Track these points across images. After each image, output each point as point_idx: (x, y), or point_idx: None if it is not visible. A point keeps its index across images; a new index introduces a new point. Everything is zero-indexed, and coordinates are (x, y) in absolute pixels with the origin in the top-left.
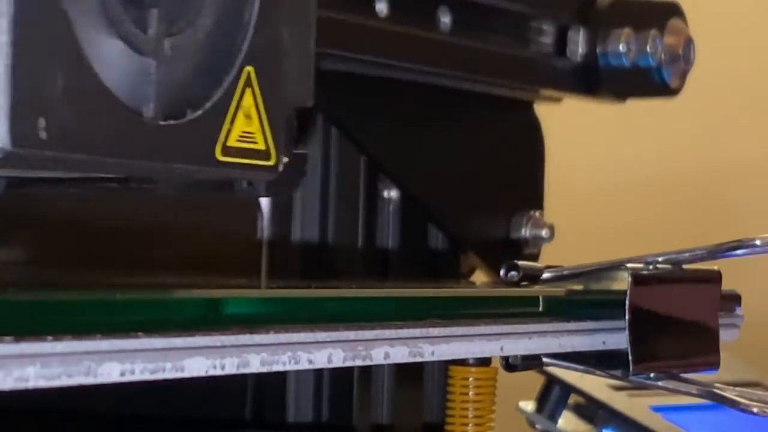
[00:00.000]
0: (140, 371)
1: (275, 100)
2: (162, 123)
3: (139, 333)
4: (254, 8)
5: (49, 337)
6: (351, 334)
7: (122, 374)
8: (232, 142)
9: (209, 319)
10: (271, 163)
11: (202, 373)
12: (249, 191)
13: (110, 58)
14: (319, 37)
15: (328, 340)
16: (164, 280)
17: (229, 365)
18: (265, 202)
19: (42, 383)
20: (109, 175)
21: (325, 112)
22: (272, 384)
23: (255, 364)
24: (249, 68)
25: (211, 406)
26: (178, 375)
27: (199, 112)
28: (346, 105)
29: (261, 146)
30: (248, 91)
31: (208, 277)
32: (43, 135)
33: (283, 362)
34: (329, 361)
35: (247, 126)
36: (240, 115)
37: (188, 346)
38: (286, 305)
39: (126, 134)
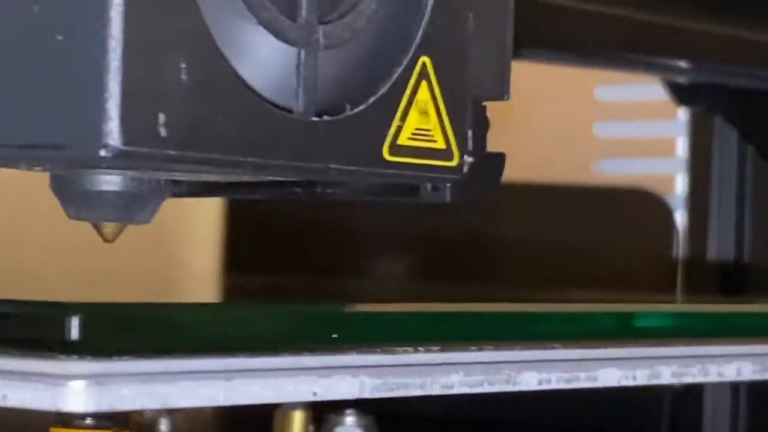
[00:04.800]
0: (556, 380)
1: (459, 94)
2: (314, 120)
3: (556, 344)
4: None
5: (473, 347)
6: (760, 349)
7: (539, 383)
8: (403, 141)
9: (621, 331)
10: (452, 163)
11: (614, 384)
12: (433, 196)
13: (251, 47)
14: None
15: (737, 353)
16: (579, 294)
17: (640, 376)
18: (680, 216)
19: (465, 390)
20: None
21: (740, 129)
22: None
23: (666, 375)
24: (425, 58)
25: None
26: (592, 385)
27: (362, 107)
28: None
29: (440, 145)
30: (424, 85)
31: (622, 293)
32: (162, 132)
33: (692, 374)
34: (738, 374)
35: (422, 122)
36: (413, 111)
37: (602, 357)
38: (695, 320)
39: (269, 132)
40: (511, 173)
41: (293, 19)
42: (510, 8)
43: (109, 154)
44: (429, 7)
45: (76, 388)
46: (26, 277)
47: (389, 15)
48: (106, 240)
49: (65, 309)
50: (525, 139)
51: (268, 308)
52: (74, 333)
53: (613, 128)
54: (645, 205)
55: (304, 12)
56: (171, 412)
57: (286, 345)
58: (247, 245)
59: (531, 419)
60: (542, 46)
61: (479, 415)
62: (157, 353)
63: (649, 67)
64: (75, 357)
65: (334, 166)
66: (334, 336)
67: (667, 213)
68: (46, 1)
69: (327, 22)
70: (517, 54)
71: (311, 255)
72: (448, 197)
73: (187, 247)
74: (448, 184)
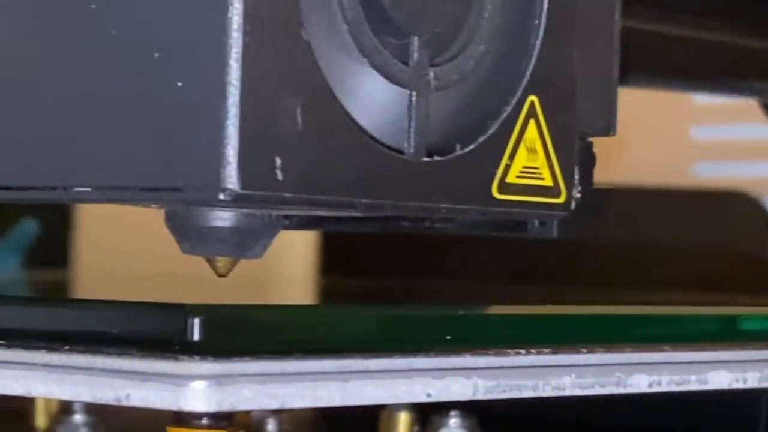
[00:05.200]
0: (666, 383)
1: (566, 132)
2: (425, 160)
3: (665, 347)
4: (539, 31)
5: (584, 349)
6: None
7: (650, 385)
8: (511, 179)
9: (730, 334)
10: (560, 200)
11: (725, 386)
12: (540, 231)
13: (364, 91)
14: None
15: None
16: (679, 297)
17: (751, 379)
18: None
19: (577, 392)
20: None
21: None
22: None
23: None
24: (533, 97)
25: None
26: (702, 387)
27: (471, 147)
28: None
29: (548, 182)
30: (532, 123)
31: (720, 295)
32: (279, 175)
33: None
34: None
35: (530, 160)
36: (522, 149)
37: (712, 360)
38: None
39: (381, 173)
40: (610, 176)
41: (405, 62)
42: (616, 45)
43: (227, 198)
44: (537, 48)
45: (198, 388)
46: (139, 281)
47: (498, 56)
48: (219, 275)
49: (187, 310)
50: (623, 142)
51: (381, 310)
52: (196, 334)
53: (711, 131)
54: (742, 207)
55: (415, 55)
56: (277, 413)
57: (400, 347)
58: (341, 248)
59: (624, 421)
60: (642, 72)
61: (574, 416)
62: (275, 354)
63: (746, 91)
64: (197, 358)
65: (444, 205)
66: (448, 338)
67: (764, 215)
68: (167, 48)
69: (437, 65)
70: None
71: (405, 257)
72: (555, 232)
73: (283, 250)
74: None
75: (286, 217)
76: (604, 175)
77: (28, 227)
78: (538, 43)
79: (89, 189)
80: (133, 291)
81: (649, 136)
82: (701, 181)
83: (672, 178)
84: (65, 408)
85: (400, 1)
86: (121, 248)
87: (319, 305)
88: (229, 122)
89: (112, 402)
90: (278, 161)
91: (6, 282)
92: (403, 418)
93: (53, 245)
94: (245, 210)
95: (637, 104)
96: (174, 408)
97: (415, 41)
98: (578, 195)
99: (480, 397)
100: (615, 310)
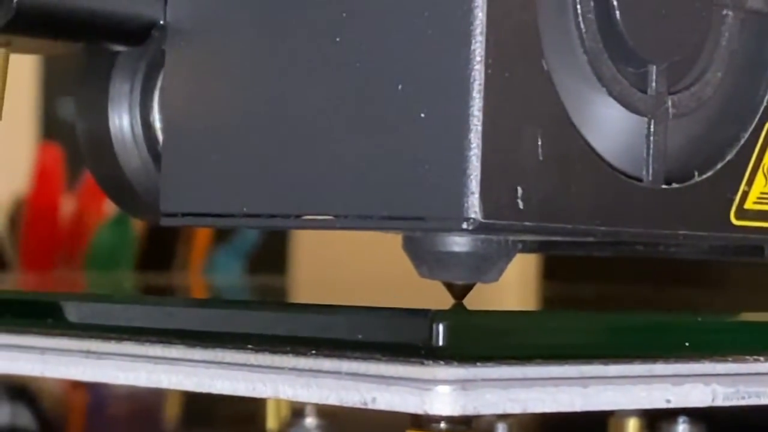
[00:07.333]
0: None
1: None
2: (663, 187)
3: None
4: None
5: None
6: None
7: None
8: (749, 205)
9: None
10: None
11: None
12: None
13: (601, 119)
14: None
15: None
16: None
17: None
18: None
19: None
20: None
21: None
22: None
23: None
24: None
25: None
26: None
27: (709, 173)
28: None
29: None
30: None
31: None
32: (520, 204)
33: None
34: None
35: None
36: (759, 175)
37: None
38: None
39: (619, 200)
40: None
41: (643, 90)
42: None
43: (470, 227)
44: None
45: (443, 392)
46: (360, 287)
47: (735, 82)
48: (455, 298)
49: (432, 316)
50: None
51: (621, 316)
52: (441, 339)
53: None
54: None
55: (653, 84)
56: (504, 417)
57: (638, 352)
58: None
59: None
60: None
61: None
62: (516, 360)
63: None
64: (442, 363)
65: (682, 232)
66: (687, 344)
67: None
68: (410, 80)
69: (675, 92)
70: None
71: (624, 262)
72: None
73: None
74: None
75: (519, 240)
76: None
77: (250, 234)
78: None
79: (332, 217)
80: (358, 297)
81: None
82: None
83: None
84: (297, 411)
85: (638, 30)
86: (335, 255)
87: (558, 310)
88: (471, 152)
89: (358, 405)
90: (519, 190)
91: (238, 287)
92: (633, 424)
93: (273, 252)
94: (482, 236)
95: None
96: (419, 411)
97: (654, 70)
98: None
99: (719, 403)
100: None
